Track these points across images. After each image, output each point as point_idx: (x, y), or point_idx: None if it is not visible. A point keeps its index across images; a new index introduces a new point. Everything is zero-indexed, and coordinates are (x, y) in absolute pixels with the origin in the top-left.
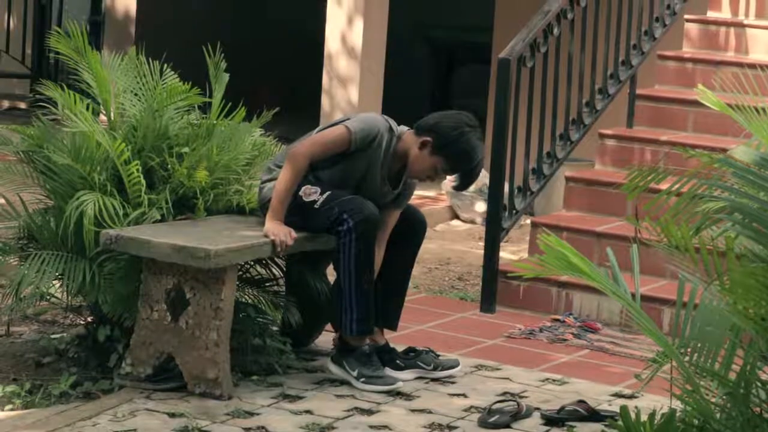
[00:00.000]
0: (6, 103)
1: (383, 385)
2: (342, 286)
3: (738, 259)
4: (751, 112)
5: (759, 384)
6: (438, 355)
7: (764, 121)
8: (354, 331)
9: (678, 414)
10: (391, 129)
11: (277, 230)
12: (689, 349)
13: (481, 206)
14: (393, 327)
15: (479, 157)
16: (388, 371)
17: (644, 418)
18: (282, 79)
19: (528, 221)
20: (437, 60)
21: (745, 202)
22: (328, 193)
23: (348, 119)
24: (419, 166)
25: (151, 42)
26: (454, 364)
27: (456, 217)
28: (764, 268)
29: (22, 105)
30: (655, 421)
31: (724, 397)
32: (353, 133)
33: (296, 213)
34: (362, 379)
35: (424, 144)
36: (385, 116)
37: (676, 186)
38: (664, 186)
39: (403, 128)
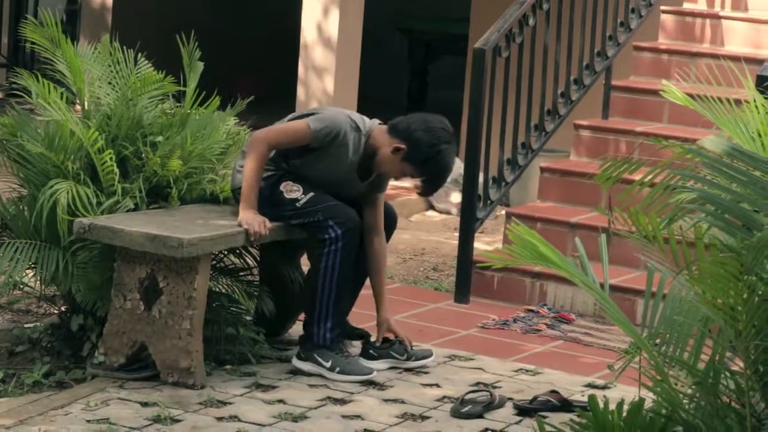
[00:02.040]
0: None
1: (358, 374)
2: (320, 295)
3: (707, 249)
4: (717, 104)
5: (728, 374)
6: (411, 346)
7: (732, 112)
8: (327, 341)
9: (648, 404)
10: (357, 128)
11: (251, 219)
12: (659, 340)
13: (456, 197)
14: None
15: (451, 170)
16: (362, 361)
17: (613, 407)
18: (259, 68)
19: (503, 212)
20: (414, 51)
21: (717, 193)
22: (311, 194)
23: (315, 113)
24: (388, 167)
25: (127, 31)
26: (427, 354)
27: (431, 207)
28: (733, 257)
29: None
30: (624, 411)
31: (693, 386)
32: (313, 131)
33: (271, 206)
34: (337, 369)
35: (397, 149)
36: (351, 114)
37: (649, 177)
38: (637, 177)
39: (374, 122)
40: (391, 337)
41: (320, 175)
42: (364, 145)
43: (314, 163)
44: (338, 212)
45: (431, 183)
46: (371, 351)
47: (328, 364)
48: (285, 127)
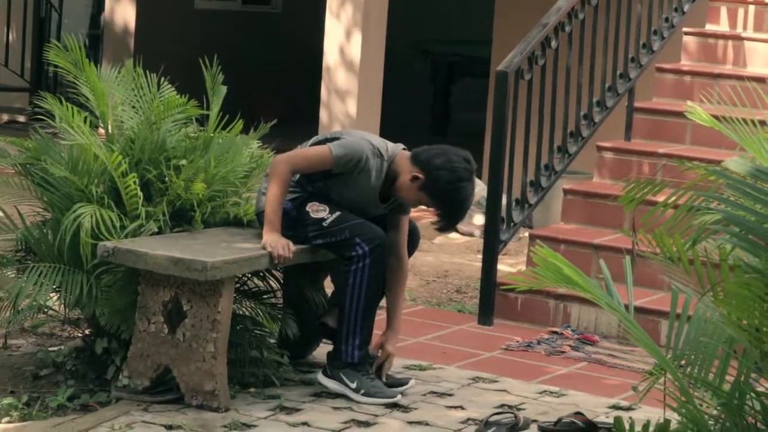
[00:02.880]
0: (5, 117)
1: (383, 398)
2: (347, 312)
3: (732, 270)
4: (741, 125)
5: (753, 394)
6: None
7: (756, 134)
8: (356, 358)
9: (673, 425)
10: (379, 154)
11: (275, 242)
12: (684, 361)
13: (479, 219)
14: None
15: (468, 207)
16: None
17: (639, 428)
18: (283, 91)
19: (526, 234)
20: (437, 74)
21: (741, 214)
22: (337, 213)
23: (338, 138)
24: (405, 194)
25: (150, 55)
26: (398, 383)
27: (454, 229)
28: (758, 279)
29: (21, 118)
30: None
31: (719, 407)
32: (335, 157)
33: (297, 226)
34: (361, 392)
35: (416, 178)
36: (374, 139)
37: (673, 198)
38: (661, 198)
39: (398, 147)
40: (377, 352)
41: (343, 197)
42: (386, 170)
43: (337, 187)
44: (365, 229)
45: (447, 218)
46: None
47: (354, 385)
48: (307, 152)
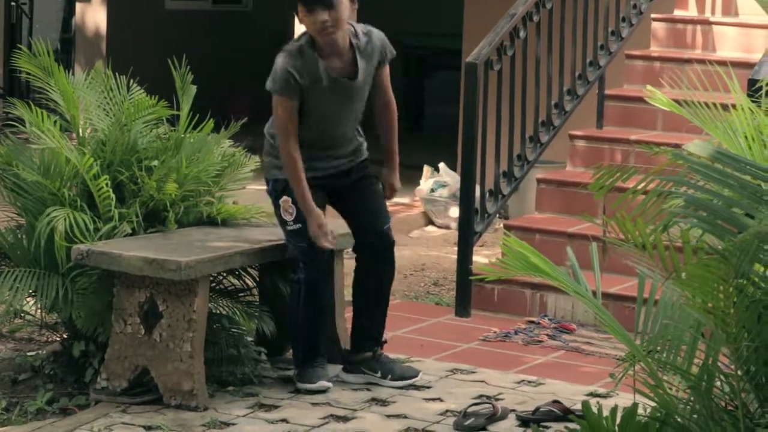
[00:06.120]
0: None
1: (409, 378)
2: (288, 322)
3: (695, 252)
4: (705, 109)
5: (721, 376)
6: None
7: (717, 116)
8: (299, 365)
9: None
10: (296, 40)
11: (316, 232)
12: (658, 347)
13: (455, 212)
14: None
15: None
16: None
17: (607, 413)
18: (256, 87)
19: (502, 225)
20: (410, 67)
21: (706, 198)
22: (298, 225)
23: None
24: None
25: (122, 57)
26: (408, 375)
27: (431, 222)
28: (718, 259)
29: None
30: (618, 416)
31: (688, 390)
32: (271, 88)
33: (275, 210)
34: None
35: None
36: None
37: (642, 184)
38: (631, 184)
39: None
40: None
41: (321, 115)
42: (312, 46)
43: (310, 112)
44: (311, 257)
45: None
46: (347, 366)
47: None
48: (278, 121)
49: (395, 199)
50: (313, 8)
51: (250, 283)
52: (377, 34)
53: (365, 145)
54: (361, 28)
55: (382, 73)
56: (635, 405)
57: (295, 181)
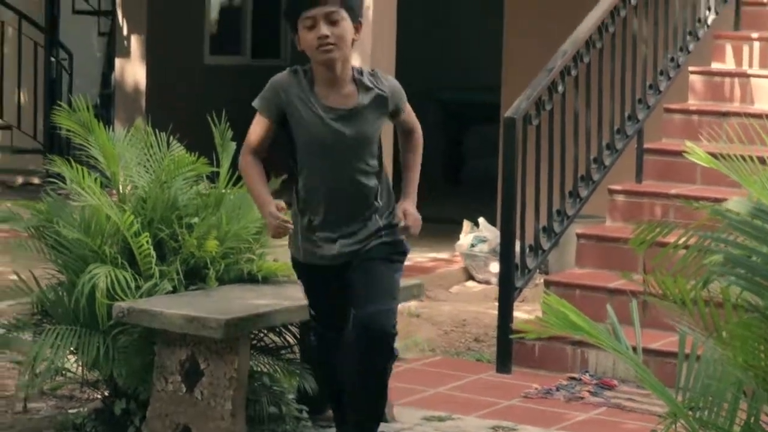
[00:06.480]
0: (20, 179)
1: None
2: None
3: (735, 310)
4: (743, 163)
5: None
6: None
7: (755, 171)
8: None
9: None
10: (295, 70)
11: (269, 224)
12: (700, 404)
13: (495, 267)
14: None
15: None
16: None
17: None
18: None
19: (542, 280)
20: (449, 121)
21: (744, 255)
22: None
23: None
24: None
25: (161, 113)
26: None
27: (471, 278)
28: (758, 318)
29: (36, 180)
30: None
31: None
32: (256, 107)
33: None
34: None
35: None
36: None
37: (683, 239)
38: (671, 239)
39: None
40: (401, 218)
41: (305, 141)
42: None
43: (297, 136)
44: (323, 318)
45: None
46: None
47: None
48: (250, 132)
49: (435, 254)
50: (315, 21)
51: (291, 340)
52: (390, 80)
53: (398, 221)
54: (367, 69)
55: (403, 116)
56: None
57: (249, 190)
